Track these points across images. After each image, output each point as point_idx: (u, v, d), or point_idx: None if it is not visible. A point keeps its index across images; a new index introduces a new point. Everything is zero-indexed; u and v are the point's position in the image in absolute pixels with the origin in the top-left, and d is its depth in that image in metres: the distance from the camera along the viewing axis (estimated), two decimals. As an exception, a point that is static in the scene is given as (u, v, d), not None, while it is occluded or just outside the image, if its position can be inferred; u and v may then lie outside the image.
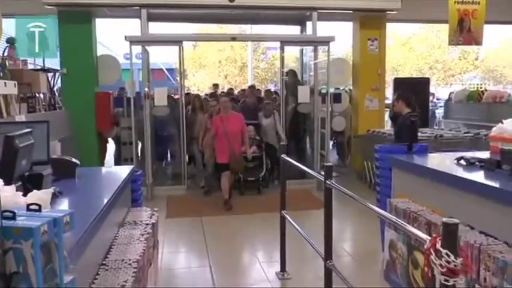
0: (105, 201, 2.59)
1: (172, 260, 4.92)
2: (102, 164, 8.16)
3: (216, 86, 11.49)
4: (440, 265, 1.53)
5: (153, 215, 3.58)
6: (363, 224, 5.72)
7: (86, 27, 7.97)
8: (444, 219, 1.56)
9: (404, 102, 5.25)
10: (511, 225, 2.74)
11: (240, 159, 6.70)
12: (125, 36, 7.56)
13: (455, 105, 9.97)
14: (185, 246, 5.33)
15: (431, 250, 1.58)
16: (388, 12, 8.59)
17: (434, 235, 1.63)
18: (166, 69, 17.44)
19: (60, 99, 7.39)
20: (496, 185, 3.01)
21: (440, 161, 3.98)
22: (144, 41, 7.77)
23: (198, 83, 25.34)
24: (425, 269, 1.64)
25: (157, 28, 9.73)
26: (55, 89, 7.16)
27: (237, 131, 6.58)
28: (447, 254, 1.52)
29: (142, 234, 3.06)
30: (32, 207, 1.40)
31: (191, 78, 25.34)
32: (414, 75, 22.41)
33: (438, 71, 24.96)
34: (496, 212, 2.85)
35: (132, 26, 9.35)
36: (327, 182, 2.80)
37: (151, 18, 8.34)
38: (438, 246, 1.55)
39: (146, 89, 7.68)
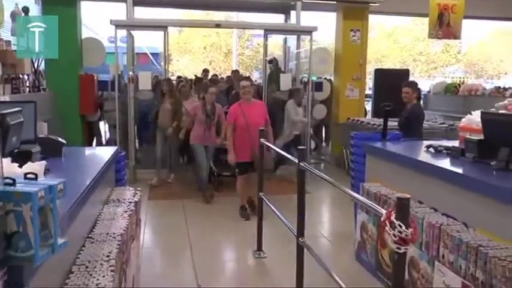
0: (91, 179, 2.74)
1: (153, 239, 5.09)
2: (85, 145, 8.24)
3: (206, 71, 11.40)
4: (394, 235, 1.73)
5: (136, 194, 3.74)
6: (338, 208, 5.97)
7: (71, 10, 7.99)
8: (398, 195, 1.76)
9: (415, 92, 5.35)
10: (469, 208, 2.98)
11: (267, 156, 5.35)
12: (111, 20, 7.60)
13: (434, 97, 10.27)
14: (166, 227, 5.48)
15: (387, 222, 1.78)
16: (371, 4, 8.78)
17: (389, 209, 1.83)
18: (151, 53, 17.39)
19: (44, 81, 7.43)
20: (458, 171, 3.24)
21: (411, 148, 4.21)
22: (130, 25, 7.83)
23: (183, 69, 25.31)
24: (381, 239, 1.83)
25: (142, 13, 9.76)
26: (40, 69, 7.18)
27: (260, 123, 5.33)
28: (400, 225, 1.72)
29: (126, 211, 3.21)
30: (28, 176, 1.56)
31: (175, 63, 25.29)
32: (398, 67, 22.74)
33: (422, 63, 25.36)
34: (457, 196, 3.09)
35: (117, 9, 9.37)
36: (301, 164, 2.99)
37: (137, 2, 8.39)
38: (392, 218, 1.75)
39: (131, 73, 7.76)
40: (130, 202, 3.44)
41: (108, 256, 2.39)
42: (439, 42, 21.74)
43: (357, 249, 4.20)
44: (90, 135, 9.03)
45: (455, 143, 4.02)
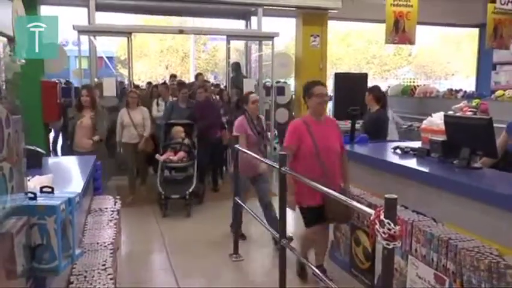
0: (79, 189, 2.77)
1: (130, 245, 5.11)
2: (48, 153, 8.08)
3: (173, 76, 10.66)
4: (383, 232, 1.91)
5: (116, 202, 3.78)
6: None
7: (32, 15, 7.81)
8: (386, 195, 1.94)
9: (374, 98, 5.24)
10: (437, 204, 3.22)
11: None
12: (73, 26, 7.52)
13: (391, 99, 10.68)
14: (141, 232, 5.49)
15: (376, 221, 1.95)
16: (329, 10, 9.08)
17: (377, 208, 2.00)
18: (106, 57, 17.16)
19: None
20: (425, 170, 3.48)
21: (379, 150, 4.45)
22: (93, 31, 7.77)
23: (139, 73, 25.00)
24: (371, 237, 2.01)
25: (101, 18, 9.66)
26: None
27: (335, 148, 3.79)
28: (388, 223, 1.90)
29: (111, 220, 3.27)
30: (45, 189, 1.62)
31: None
32: (352, 70, 23.42)
33: (375, 65, 26.20)
34: (425, 193, 3.33)
35: (71, 13, 9.23)
36: (282, 169, 3.14)
37: (99, 8, 8.31)
38: (382, 217, 1.93)
39: (96, 80, 7.69)
40: (112, 211, 3.49)
41: (104, 265, 2.45)
42: (391, 45, 22.57)
43: (330, 248, 4.39)
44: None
45: (419, 144, 4.31)
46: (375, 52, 25.66)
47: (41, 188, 1.62)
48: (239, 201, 4.59)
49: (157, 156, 6.22)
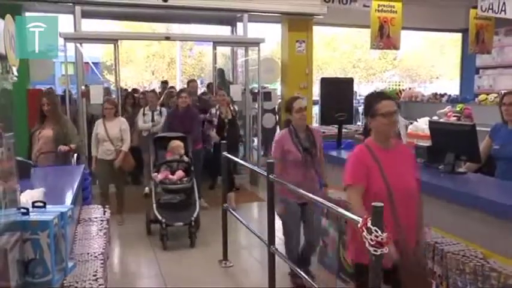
0: (69, 201, 2.78)
1: (121, 253, 5.10)
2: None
3: (165, 83, 10.53)
4: (371, 239, 1.96)
5: (106, 212, 3.78)
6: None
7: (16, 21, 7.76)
8: (373, 203, 1.98)
9: None
10: (424, 209, 3.28)
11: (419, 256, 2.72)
12: (60, 33, 7.47)
13: (376, 103, 10.80)
14: (130, 241, 5.48)
15: (363, 228, 2.00)
16: (314, 16, 9.16)
17: (364, 216, 2.05)
18: (92, 63, 17.10)
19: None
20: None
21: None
22: (80, 38, 7.74)
23: (125, 79, 24.90)
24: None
25: (87, 25, 9.64)
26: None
27: (413, 190, 2.73)
28: (376, 231, 1.95)
29: (100, 230, 3.27)
30: (37, 204, 1.63)
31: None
32: (338, 74, 23.58)
33: (360, 69, 26.43)
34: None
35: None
36: (270, 176, 3.18)
37: (85, 15, 8.29)
38: (369, 224, 1.97)
39: (83, 87, 7.67)
40: (102, 220, 3.49)
41: (95, 275, 2.46)
42: (377, 50, 22.81)
43: (318, 253, 4.43)
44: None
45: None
46: (361, 56, 25.89)
47: (33, 202, 1.63)
48: (228, 208, 4.62)
49: (153, 175, 5.47)
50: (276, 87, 11.24)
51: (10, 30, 1.67)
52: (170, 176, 5.43)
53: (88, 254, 2.78)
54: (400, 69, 27.99)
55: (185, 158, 5.69)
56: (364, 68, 26.70)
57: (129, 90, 10.58)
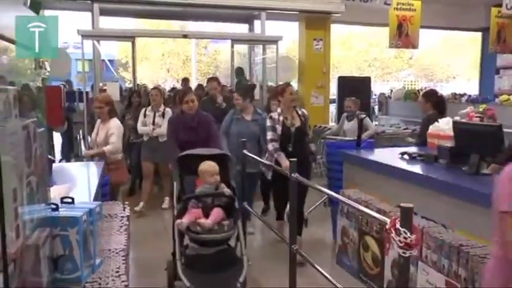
0: (92, 196, 2.79)
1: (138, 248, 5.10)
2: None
3: (186, 80, 10.06)
4: (399, 241, 1.92)
5: (125, 208, 3.78)
6: (311, 215, 6.16)
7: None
8: (402, 204, 1.95)
9: (433, 105, 5.19)
10: (446, 210, 3.23)
11: None
12: (77, 30, 7.56)
13: (394, 103, 10.72)
14: (148, 235, 5.47)
15: (392, 229, 1.96)
16: (332, 14, 9.10)
17: (393, 217, 2.01)
18: (107, 60, 17.24)
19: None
20: (433, 176, 3.49)
21: (386, 155, 4.45)
22: (97, 35, 7.79)
23: (141, 76, 25.03)
24: (387, 245, 2.02)
25: (105, 22, 9.71)
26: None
27: None
28: (404, 232, 1.91)
29: (121, 226, 3.26)
30: (65, 200, 1.63)
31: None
32: (354, 72, 23.47)
33: (376, 68, 26.24)
34: (434, 199, 3.34)
35: (73, 17, 9.26)
36: (292, 175, 3.15)
37: (103, 12, 8.34)
38: (397, 225, 1.94)
39: (101, 84, 7.72)
40: (122, 217, 3.49)
41: (117, 272, 2.45)
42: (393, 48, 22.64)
43: (337, 253, 4.39)
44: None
45: (425, 149, 4.31)
46: (376, 55, 25.71)
47: (61, 198, 1.63)
48: (246, 206, 4.59)
49: (177, 222, 3.56)
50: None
51: (41, 26, 1.67)
52: (202, 221, 3.45)
53: (109, 250, 2.77)
54: (415, 69, 27.74)
55: (225, 190, 3.67)
56: (379, 67, 26.51)
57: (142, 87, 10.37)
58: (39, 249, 1.31)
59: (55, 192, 1.86)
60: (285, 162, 4.33)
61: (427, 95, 5.50)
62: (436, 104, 5.23)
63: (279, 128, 4.74)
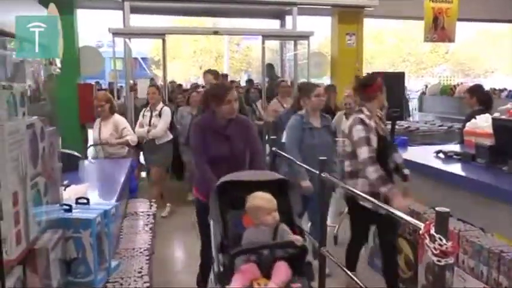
0: (116, 193, 2.75)
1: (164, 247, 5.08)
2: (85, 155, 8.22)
3: (224, 76, 9.68)
4: (434, 248, 1.78)
5: (152, 206, 3.76)
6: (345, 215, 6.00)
7: (68, 18, 7.95)
8: (437, 209, 1.81)
9: (478, 101, 5.01)
10: (485, 213, 3.04)
11: None
12: (109, 29, 7.61)
13: (429, 99, 10.39)
14: (175, 234, 5.44)
15: (426, 235, 1.82)
16: (365, 8, 8.87)
17: (427, 222, 1.87)
18: (140, 58, 17.44)
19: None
20: (471, 176, 3.30)
21: (421, 154, 4.27)
22: (128, 33, 7.83)
23: (173, 74, 25.25)
24: (420, 251, 1.88)
25: (136, 20, 9.78)
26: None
27: None
28: (440, 238, 1.77)
29: (147, 225, 3.24)
30: (80, 200, 1.58)
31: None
32: (387, 68, 22.98)
33: (410, 63, 25.62)
34: (472, 201, 3.15)
35: (105, 16, 9.36)
36: (321, 174, 3.03)
37: (134, 10, 8.38)
38: (432, 231, 1.80)
39: (131, 81, 7.77)
40: (148, 215, 3.47)
41: (140, 272, 2.41)
42: (428, 42, 22.04)
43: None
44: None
45: (462, 147, 4.11)
46: (410, 50, 25.09)
47: (77, 199, 1.57)
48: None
49: None
50: (323, 81, 11.01)
51: (54, 22, 1.62)
52: (263, 285, 2.25)
53: (133, 249, 2.74)
54: (451, 63, 26.93)
55: (293, 237, 2.44)
56: (414, 62, 25.87)
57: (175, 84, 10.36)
58: (49, 252, 1.25)
59: (71, 193, 1.81)
60: (401, 203, 2.98)
61: (472, 90, 5.33)
62: (482, 99, 5.07)
63: (373, 138, 3.21)
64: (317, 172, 3.06)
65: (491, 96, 5.31)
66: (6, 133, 0.95)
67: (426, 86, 11.76)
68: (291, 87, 7.61)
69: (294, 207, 2.67)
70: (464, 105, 8.56)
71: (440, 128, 7.59)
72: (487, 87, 9.84)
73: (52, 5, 1.56)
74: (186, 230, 5.47)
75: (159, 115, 5.69)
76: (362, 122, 3.22)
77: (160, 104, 5.80)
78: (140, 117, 5.88)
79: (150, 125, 5.69)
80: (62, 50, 1.81)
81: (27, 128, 1.09)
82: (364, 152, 3.13)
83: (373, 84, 3.39)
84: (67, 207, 1.46)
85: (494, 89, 8.88)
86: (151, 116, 5.71)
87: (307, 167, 3.42)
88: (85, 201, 1.56)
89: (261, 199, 2.45)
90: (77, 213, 1.47)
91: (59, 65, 1.81)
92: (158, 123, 5.65)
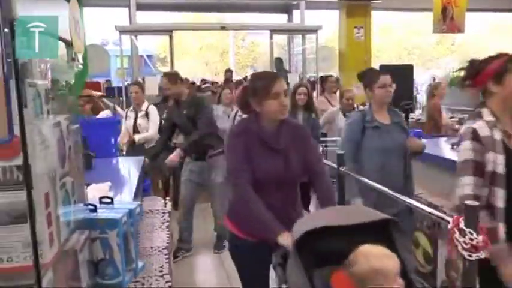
0: (132, 192, 2.73)
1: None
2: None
3: (229, 71, 9.51)
4: (464, 242, 1.74)
5: (167, 204, 3.73)
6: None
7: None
8: (466, 202, 1.76)
9: None
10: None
11: None
12: (115, 26, 7.60)
13: (438, 91, 10.26)
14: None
15: (455, 229, 1.78)
16: (373, 1, 8.80)
17: (455, 216, 1.83)
18: (146, 55, 17.43)
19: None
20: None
21: (436, 146, 4.22)
22: (135, 30, 7.82)
23: (179, 70, 25.19)
24: (449, 246, 1.84)
25: (141, 17, 9.76)
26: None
27: None
28: (470, 233, 1.72)
29: (163, 223, 3.21)
30: (104, 200, 1.55)
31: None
32: (394, 61, 22.83)
33: (417, 56, 25.45)
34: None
35: (111, 14, 9.34)
36: (340, 169, 2.99)
37: (140, 7, 8.37)
38: (461, 225, 1.75)
39: (139, 79, 7.76)
40: (164, 213, 3.44)
41: (161, 271, 2.39)
42: (433, 34, 21.88)
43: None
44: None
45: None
46: (416, 42, 24.93)
47: (100, 198, 1.54)
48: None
49: None
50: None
51: (75, 16, 1.59)
52: None
53: (152, 248, 2.71)
54: (458, 55, 26.72)
55: None
56: (420, 55, 25.70)
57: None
58: (78, 254, 1.23)
59: (93, 192, 1.78)
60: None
61: None
62: None
63: (495, 159, 2.00)
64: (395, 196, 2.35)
65: None
66: (36, 132, 0.92)
67: (434, 78, 11.65)
68: (338, 82, 6.98)
69: (404, 257, 1.81)
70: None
71: (451, 119, 7.50)
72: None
73: (73, 1, 1.54)
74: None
75: (146, 116, 5.21)
76: (474, 135, 2.04)
77: (145, 103, 5.28)
78: (123, 119, 5.34)
79: (135, 127, 5.21)
80: (83, 46, 1.78)
81: (54, 126, 1.06)
82: (466, 186, 2.01)
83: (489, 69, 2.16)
84: (92, 207, 1.43)
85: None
86: (136, 117, 5.22)
87: (382, 189, 2.51)
88: (109, 200, 1.53)
89: (387, 258, 1.64)
90: (102, 213, 1.44)
91: (81, 60, 1.78)
92: (149, 127, 5.17)
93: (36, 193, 0.91)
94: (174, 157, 4.22)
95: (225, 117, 5.23)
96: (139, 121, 5.21)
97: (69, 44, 1.36)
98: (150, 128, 5.17)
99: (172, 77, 4.38)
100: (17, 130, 0.86)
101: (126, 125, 5.22)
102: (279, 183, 2.23)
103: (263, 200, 2.12)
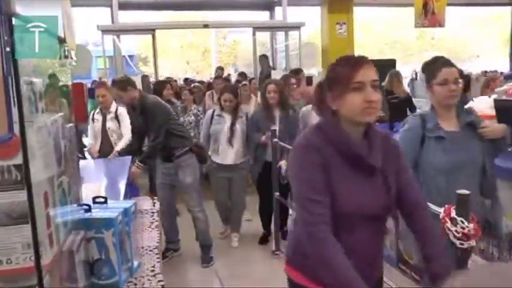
0: (122, 192, 2.71)
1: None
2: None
3: (220, 69, 9.33)
4: (456, 231, 1.77)
5: (155, 203, 3.70)
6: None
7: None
8: (458, 191, 1.79)
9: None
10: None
11: None
12: (97, 26, 7.52)
13: (421, 84, 10.37)
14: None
15: (447, 219, 1.81)
16: (355, -4, 8.88)
17: (447, 206, 1.86)
18: (127, 55, 17.28)
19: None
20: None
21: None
22: (118, 30, 7.74)
23: (160, 69, 25.05)
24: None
25: (123, 17, 9.66)
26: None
27: None
28: (462, 221, 1.76)
29: (152, 222, 3.18)
30: (97, 200, 1.53)
31: (152, 65, 24.98)
32: (375, 56, 23.05)
33: (398, 51, 25.70)
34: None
35: (92, 14, 9.24)
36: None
37: (122, 6, 8.29)
38: (453, 214, 1.78)
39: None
40: (153, 212, 3.41)
41: (152, 271, 2.36)
42: (414, 29, 22.12)
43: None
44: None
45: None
46: (397, 37, 25.19)
47: (93, 198, 1.53)
48: (279, 198, 4.47)
49: None
50: (313, 72, 11.01)
51: (68, 12, 1.57)
52: None
53: (143, 248, 2.68)
54: (438, 49, 27.06)
55: None
56: (401, 49, 25.97)
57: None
58: (74, 255, 1.21)
59: (86, 191, 1.76)
60: None
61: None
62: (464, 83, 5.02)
63: None
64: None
65: (470, 80, 5.32)
66: (35, 130, 0.91)
67: (416, 73, 11.78)
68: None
69: None
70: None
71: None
72: (478, 71, 9.90)
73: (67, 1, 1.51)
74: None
75: (116, 118, 4.83)
76: None
77: (114, 105, 4.85)
78: (90, 122, 4.91)
79: (103, 131, 4.85)
80: (74, 42, 1.75)
81: (51, 124, 1.04)
82: None
83: None
84: (86, 207, 1.42)
85: (485, 71, 8.92)
86: (104, 120, 4.85)
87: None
88: (103, 200, 1.52)
89: None
90: (97, 212, 1.43)
91: (74, 57, 1.75)
92: (122, 132, 4.80)
93: (36, 193, 0.89)
94: (134, 169, 4.00)
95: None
96: (108, 124, 4.82)
97: (61, 41, 1.34)
98: (124, 133, 4.78)
99: (122, 84, 4.08)
100: (16, 129, 0.85)
101: (94, 128, 4.85)
102: (371, 217, 1.55)
103: (341, 243, 1.44)
